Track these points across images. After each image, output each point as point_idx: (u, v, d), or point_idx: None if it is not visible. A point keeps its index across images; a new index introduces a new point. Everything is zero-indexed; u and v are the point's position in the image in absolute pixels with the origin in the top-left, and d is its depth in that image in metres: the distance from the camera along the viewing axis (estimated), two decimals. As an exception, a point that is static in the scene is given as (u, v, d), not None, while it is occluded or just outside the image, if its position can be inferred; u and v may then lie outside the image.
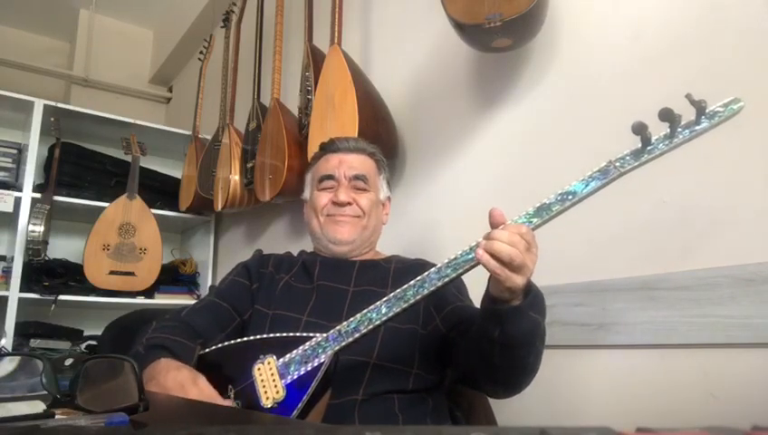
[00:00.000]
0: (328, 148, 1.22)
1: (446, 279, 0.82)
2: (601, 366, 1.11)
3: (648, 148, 0.79)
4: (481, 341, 0.88)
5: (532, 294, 0.82)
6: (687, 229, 1.01)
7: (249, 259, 1.20)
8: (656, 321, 1.02)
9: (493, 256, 0.76)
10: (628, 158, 0.80)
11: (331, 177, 1.17)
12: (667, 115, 0.75)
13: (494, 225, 0.79)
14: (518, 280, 0.77)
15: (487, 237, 0.78)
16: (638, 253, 1.08)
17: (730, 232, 0.95)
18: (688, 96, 0.76)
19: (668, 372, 1.00)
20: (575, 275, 1.17)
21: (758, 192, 0.93)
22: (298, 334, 0.91)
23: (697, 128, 0.78)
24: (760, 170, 0.93)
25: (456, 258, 0.83)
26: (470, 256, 0.81)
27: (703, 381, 0.95)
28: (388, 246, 1.27)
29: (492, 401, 1.12)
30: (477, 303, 1.08)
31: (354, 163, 1.18)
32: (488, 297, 0.84)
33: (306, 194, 1.25)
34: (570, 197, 0.80)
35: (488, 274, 0.79)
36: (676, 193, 1.03)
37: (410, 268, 1.12)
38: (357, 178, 1.17)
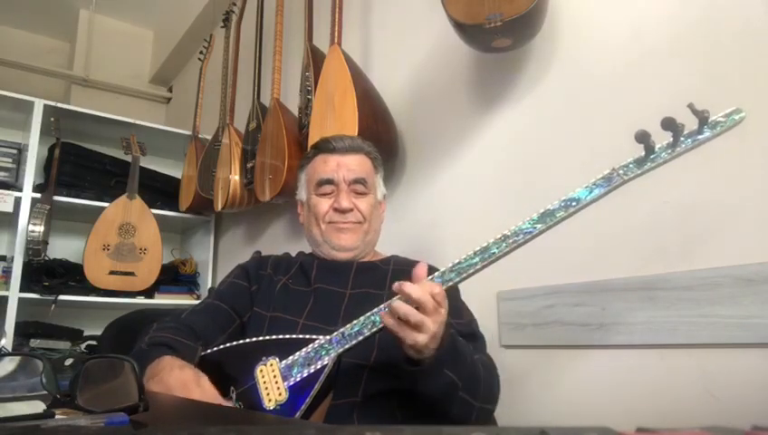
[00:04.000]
0: (323, 147, 1.18)
1: (450, 283, 0.82)
2: (601, 366, 1.11)
3: (652, 156, 0.80)
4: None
5: (443, 351, 0.81)
6: (688, 229, 1.01)
7: (247, 261, 1.19)
8: (656, 321, 1.02)
9: (393, 313, 0.78)
10: (631, 165, 0.81)
11: (330, 181, 1.14)
12: (669, 124, 0.77)
13: (413, 281, 0.80)
14: (419, 338, 0.77)
15: (397, 289, 0.78)
16: (638, 253, 1.08)
17: (730, 232, 0.95)
18: (691, 106, 0.76)
19: (668, 372, 1.00)
20: (575, 275, 1.16)
21: (758, 192, 0.93)
22: (300, 336, 0.91)
23: (700, 137, 0.79)
24: (760, 170, 0.93)
25: (459, 262, 0.83)
26: (474, 261, 0.82)
27: (703, 381, 0.95)
28: (388, 245, 1.27)
29: (492, 401, 1.12)
30: (475, 309, 1.08)
31: (352, 165, 1.15)
32: (401, 354, 0.84)
33: (302, 195, 1.22)
34: (573, 203, 0.81)
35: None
36: (677, 193, 1.03)
37: (408, 270, 1.11)
38: (356, 181, 1.14)
